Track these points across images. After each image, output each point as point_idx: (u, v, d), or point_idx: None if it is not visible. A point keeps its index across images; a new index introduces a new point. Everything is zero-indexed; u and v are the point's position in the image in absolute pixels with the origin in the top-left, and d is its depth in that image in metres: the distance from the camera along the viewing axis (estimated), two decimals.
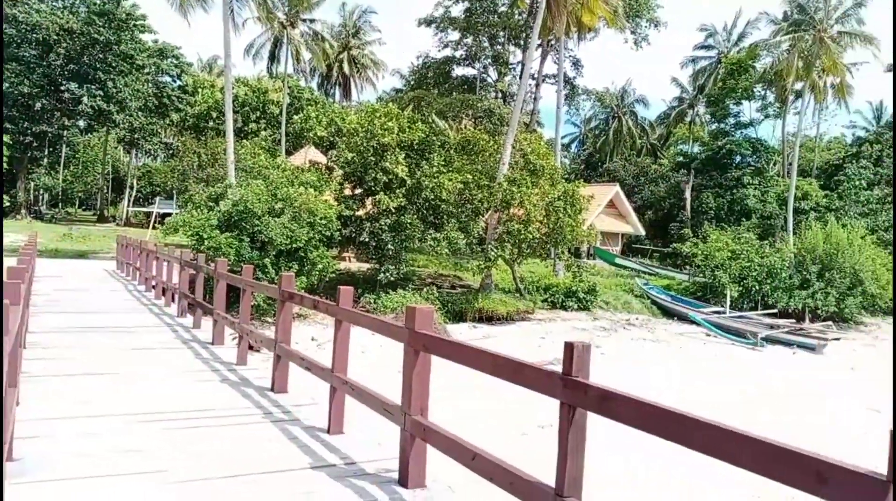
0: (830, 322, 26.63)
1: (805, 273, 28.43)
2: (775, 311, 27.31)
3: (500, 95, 48.47)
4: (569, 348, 3.42)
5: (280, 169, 23.21)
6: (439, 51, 48.71)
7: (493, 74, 49.83)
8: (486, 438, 9.44)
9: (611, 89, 62.85)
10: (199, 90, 59.34)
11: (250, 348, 9.33)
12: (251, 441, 5.44)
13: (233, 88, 35.46)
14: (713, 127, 51.48)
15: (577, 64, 48.24)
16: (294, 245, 18.57)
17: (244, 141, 38.97)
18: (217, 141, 44.08)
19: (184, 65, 56.35)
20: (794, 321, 26.31)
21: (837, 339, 24.22)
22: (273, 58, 58.75)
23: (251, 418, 6.19)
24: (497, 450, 4.13)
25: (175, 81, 56.34)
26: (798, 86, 38.56)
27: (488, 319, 22.03)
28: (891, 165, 41.16)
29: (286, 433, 5.72)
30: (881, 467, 2.15)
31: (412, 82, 52.19)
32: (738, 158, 48.55)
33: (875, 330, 28.56)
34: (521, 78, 32.62)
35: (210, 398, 6.87)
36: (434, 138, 25.58)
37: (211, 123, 55.94)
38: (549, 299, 25.24)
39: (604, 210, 41.46)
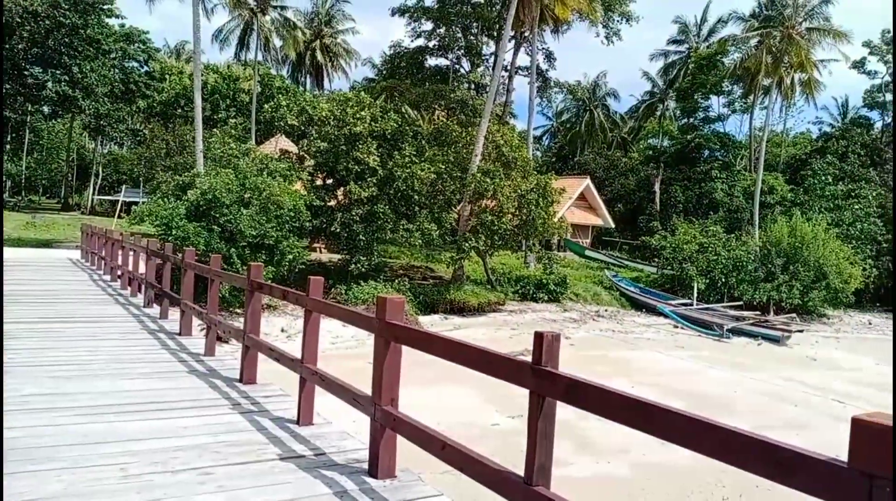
0: (794, 314, 27.19)
1: (770, 266, 28.96)
2: (741, 303, 27.79)
3: (472, 86, 48.40)
4: (538, 338, 3.44)
5: (250, 158, 22.93)
6: (412, 41, 48.50)
7: (466, 65, 49.73)
8: (457, 428, 9.49)
9: (583, 82, 63.16)
10: (167, 76, 58.28)
11: (218, 339, 9.22)
12: (218, 433, 5.38)
13: (202, 75, 34.85)
14: (682, 121, 52.06)
15: (549, 56, 48.34)
16: (263, 240, 18.37)
17: (213, 129, 38.43)
18: (185, 129, 43.38)
19: (151, 50, 55.21)
20: (759, 312, 26.79)
21: (801, 331, 24.74)
22: (242, 44, 57.90)
23: (219, 409, 6.12)
24: (468, 440, 4.14)
25: (142, 67, 55.18)
26: (766, 82, 39.11)
27: (460, 310, 22.08)
28: (855, 161, 42.04)
29: (255, 425, 5.67)
30: (843, 455, 2.20)
31: (385, 72, 51.85)
32: (706, 153, 49.20)
33: (837, 323, 29.23)
34: (493, 69, 32.62)
35: (177, 389, 6.78)
36: (407, 128, 25.47)
37: (179, 111, 54.99)
38: (520, 291, 25.38)
39: (574, 203, 41.70)
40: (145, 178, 47.96)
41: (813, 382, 17.06)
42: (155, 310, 12.00)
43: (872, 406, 14.23)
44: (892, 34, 39.88)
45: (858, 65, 43.99)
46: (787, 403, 14.59)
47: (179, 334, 9.85)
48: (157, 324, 10.79)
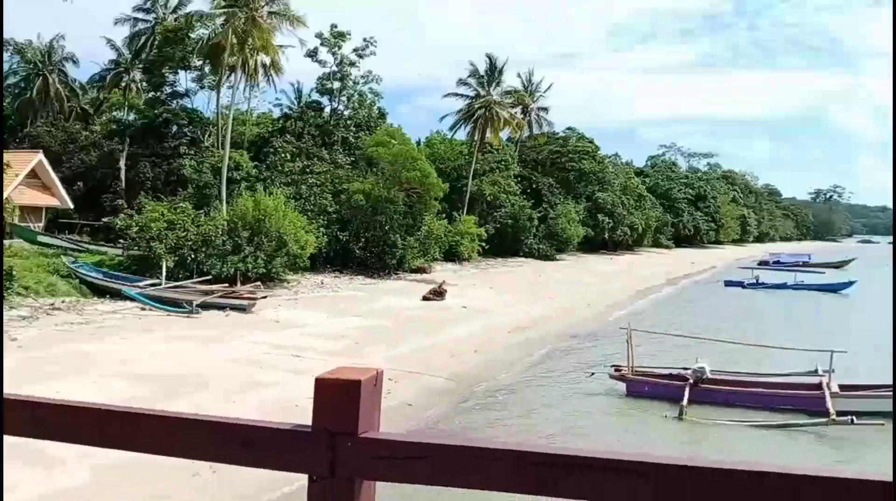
0: (259, 282, 28.89)
1: (237, 239, 30.41)
2: (210, 277, 28.26)
3: None
4: None
5: None
6: None
7: None
8: None
9: (35, 43, 55.33)
10: None
11: None
12: None
13: None
14: (150, 95, 50.33)
15: None
16: None
17: None
18: None
19: None
20: (227, 285, 27.62)
21: (265, 297, 26.33)
22: None
23: None
24: None
25: None
26: (232, 60, 40.23)
27: None
28: (310, 140, 46.89)
29: None
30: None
31: None
32: (175, 128, 48.73)
33: (296, 286, 32.33)
34: None
35: None
36: None
37: None
38: None
39: (24, 181, 37.30)
40: None
41: (277, 342, 18.34)
42: None
43: (326, 354, 16.05)
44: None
45: (312, 54, 48.94)
46: (254, 366, 15.31)
47: None
48: None
